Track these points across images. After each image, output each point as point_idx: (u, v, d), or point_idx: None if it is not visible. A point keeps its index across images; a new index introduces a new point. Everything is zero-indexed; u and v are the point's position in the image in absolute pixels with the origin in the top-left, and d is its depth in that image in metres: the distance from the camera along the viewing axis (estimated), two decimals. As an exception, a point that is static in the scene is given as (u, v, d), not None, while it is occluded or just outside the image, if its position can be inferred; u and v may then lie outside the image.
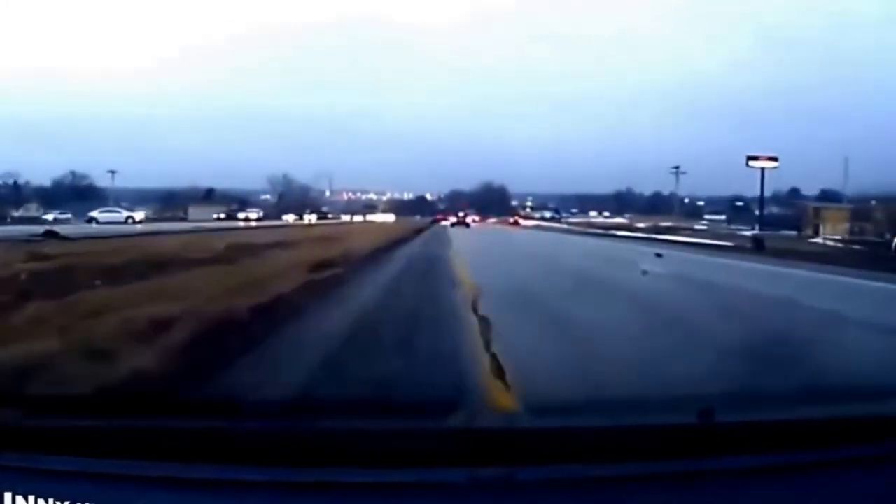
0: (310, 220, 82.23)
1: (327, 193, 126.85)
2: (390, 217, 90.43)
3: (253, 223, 63.72)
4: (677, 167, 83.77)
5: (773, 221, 63.58)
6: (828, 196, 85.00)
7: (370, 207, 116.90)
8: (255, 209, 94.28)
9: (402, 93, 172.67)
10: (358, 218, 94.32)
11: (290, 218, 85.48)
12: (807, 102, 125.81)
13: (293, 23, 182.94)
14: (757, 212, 79.88)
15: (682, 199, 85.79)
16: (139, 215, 57.35)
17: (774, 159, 68.01)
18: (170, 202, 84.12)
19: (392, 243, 23.94)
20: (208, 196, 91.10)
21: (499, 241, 35.67)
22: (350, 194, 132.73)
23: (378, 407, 2.82)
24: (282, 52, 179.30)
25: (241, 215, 78.49)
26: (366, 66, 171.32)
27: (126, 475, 1.74)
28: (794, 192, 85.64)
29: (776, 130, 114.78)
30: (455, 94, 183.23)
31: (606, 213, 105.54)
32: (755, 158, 67.11)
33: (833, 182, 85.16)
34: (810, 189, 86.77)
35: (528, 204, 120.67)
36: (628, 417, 2.30)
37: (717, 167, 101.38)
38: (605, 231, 60.70)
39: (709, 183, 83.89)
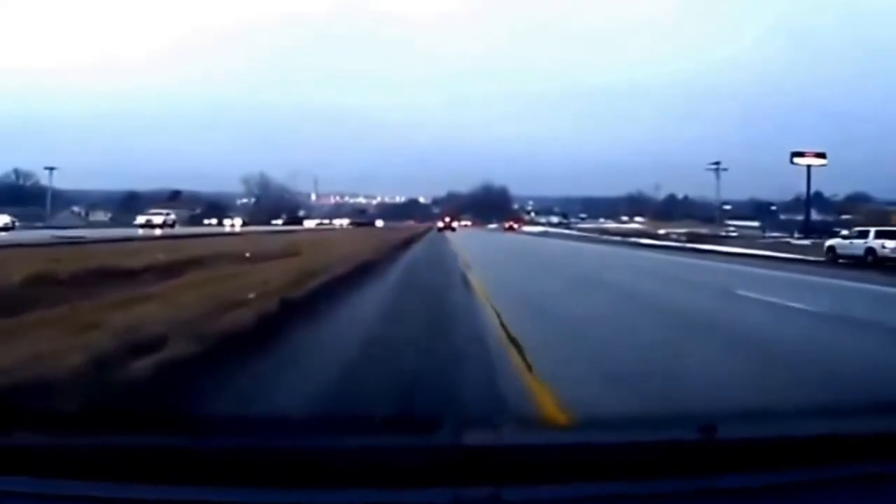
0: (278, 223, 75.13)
1: (313, 197, 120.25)
2: (378, 223, 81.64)
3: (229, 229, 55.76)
4: (717, 163, 71.60)
5: (818, 228, 54.70)
6: (859, 199, 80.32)
7: (360, 212, 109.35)
8: (231, 214, 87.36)
9: (393, 89, 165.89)
10: (340, 222, 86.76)
11: (278, 222, 78.42)
12: (830, 101, 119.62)
13: (271, 13, 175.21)
14: (783, 216, 74.20)
15: (720, 204, 74.85)
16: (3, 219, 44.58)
17: (822, 156, 60.70)
18: (131, 205, 76.02)
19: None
20: (174, 198, 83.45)
21: (513, 259, 25.30)
22: (337, 198, 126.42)
23: (356, 422, 2.70)
24: (260, 46, 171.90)
25: (228, 221, 69.74)
26: (353, 59, 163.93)
27: (85, 497, 1.61)
28: (818, 196, 79.95)
29: (796, 130, 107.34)
30: (450, 91, 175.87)
31: (624, 218, 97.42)
32: (800, 155, 60.09)
33: (863, 184, 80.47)
34: (829, 191, 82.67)
35: (530, 208, 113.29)
36: (622, 433, 2.15)
37: (738, 168, 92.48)
38: (625, 239, 52.76)
39: (729, 185, 76.03)
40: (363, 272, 14.30)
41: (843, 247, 26.27)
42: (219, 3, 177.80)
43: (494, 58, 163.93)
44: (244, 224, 75.32)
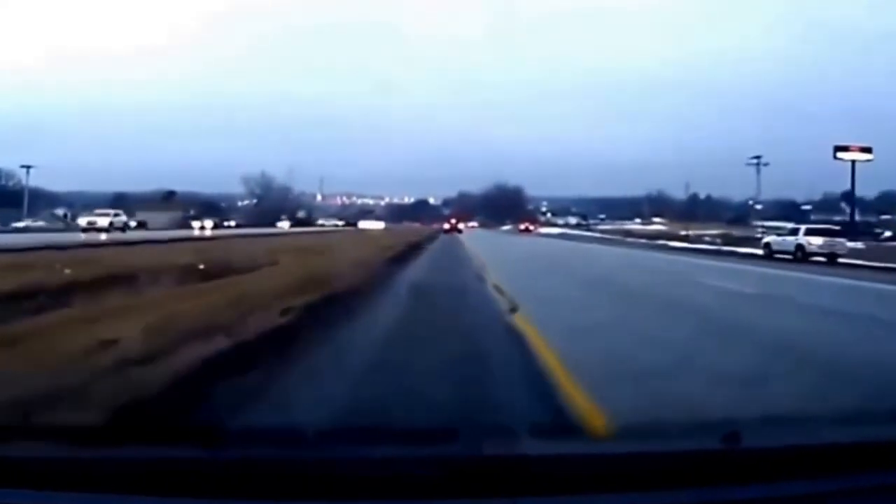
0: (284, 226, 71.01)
1: (318, 197, 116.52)
2: (378, 224, 76.64)
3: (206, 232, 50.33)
4: (758, 157, 61.15)
5: (859, 229, 49.30)
6: (890, 197, 75.89)
7: (367, 213, 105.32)
8: (230, 216, 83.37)
9: (402, 85, 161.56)
10: (329, 222, 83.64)
11: (284, 225, 74.32)
12: (855, 97, 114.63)
13: (277, 9, 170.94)
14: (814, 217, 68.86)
15: (752, 203, 68.26)
16: None
17: (868, 150, 55.02)
18: (119, 206, 71.92)
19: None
20: (168, 199, 79.18)
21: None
22: (343, 198, 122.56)
23: (373, 433, 2.46)
24: (265, 42, 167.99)
25: (197, 224, 64.49)
26: (362, 56, 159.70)
27: None
28: (848, 195, 74.70)
29: (821, 127, 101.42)
30: (462, 89, 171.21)
31: (637, 220, 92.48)
32: (844, 149, 54.55)
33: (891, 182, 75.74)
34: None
35: (545, 209, 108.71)
36: (642, 443, 2.13)
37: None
38: (653, 241, 48.54)
39: (751, 184, 70.72)
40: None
41: (777, 243, 27.93)
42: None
43: (507, 54, 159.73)
44: (238, 225, 70.42)
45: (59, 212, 72.19)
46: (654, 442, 2.10)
